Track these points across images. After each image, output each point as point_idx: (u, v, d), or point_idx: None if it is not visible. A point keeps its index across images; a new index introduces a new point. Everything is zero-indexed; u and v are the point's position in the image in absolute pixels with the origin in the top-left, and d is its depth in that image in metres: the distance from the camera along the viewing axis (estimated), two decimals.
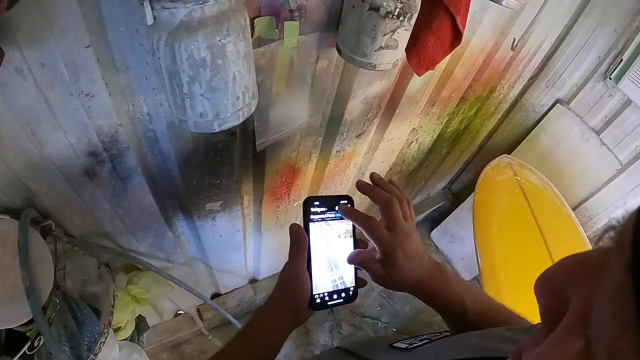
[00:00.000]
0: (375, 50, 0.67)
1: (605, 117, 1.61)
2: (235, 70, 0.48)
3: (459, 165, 2.25)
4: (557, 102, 1.77)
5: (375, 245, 0.50)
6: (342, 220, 0.52)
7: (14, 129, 0.54)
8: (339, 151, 1.18)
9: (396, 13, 0.62)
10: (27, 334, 0.62)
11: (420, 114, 1.33)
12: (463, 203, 2.07)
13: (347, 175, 1.38)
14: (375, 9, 0.61)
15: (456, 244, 2.24)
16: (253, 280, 1.77)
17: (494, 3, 0.79)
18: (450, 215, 2.21)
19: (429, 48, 0.79)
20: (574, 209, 1.77)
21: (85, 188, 0.70)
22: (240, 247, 1.36)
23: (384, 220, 0.49)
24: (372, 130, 1.22)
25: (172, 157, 0.77)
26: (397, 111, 1.19)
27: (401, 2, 0.61)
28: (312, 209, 0.51)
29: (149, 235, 0.95)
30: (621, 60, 1.47)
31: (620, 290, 0.16)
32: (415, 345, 0.42)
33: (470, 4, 0.73)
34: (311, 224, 0.50)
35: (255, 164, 0.97)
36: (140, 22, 0.51)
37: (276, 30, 0.66)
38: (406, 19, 0.63)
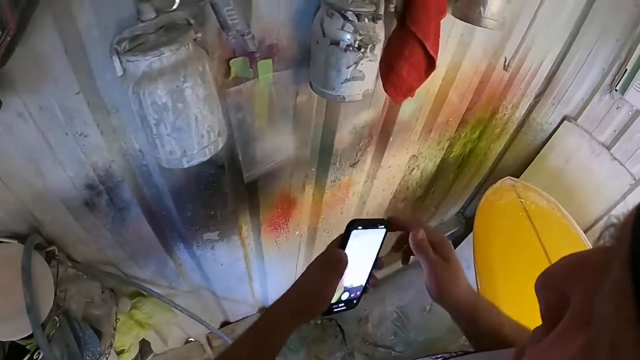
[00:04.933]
0: (342, 83, 0.71)
1: (615, 130, 1.57)
2: (196, 112, 0.55)
3: (470, 189, 2.23)
4: (564, 119, 1.74)
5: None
6: (371, 236, 0.55)
7: (20, 165, 0.63)
8: (333, 181, 1.23)
9: (356, 45, 0.66)
10: (28, 347, 0.69)
11: (418, 140, 1.36)
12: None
13: (347, 204, 1.42)
14: (336, 43, 0.66)
15: (472, 270, 2.20)
16: (262, 309, 1.81)
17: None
18: (464, 240, 2.19)
19: (404, 75, 0.81)
20: (589, 228, 1.71)
21: (86, 218, 0.78)
22: (244, 276, 1.41)
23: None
24: (368, 159, 1.27)
25: (165, 190, 0.85)
26: (391, 139, 1.23)
27: (360, 35, 0.65)
28: (354, 230, 0.52)
29: (151, 263, 1.02)
30: (625, 70, 1.43)
31: (620, 287, 0.16)
32: None
33: (453, 27, 0.76)
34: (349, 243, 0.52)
35: (248, 196, 1.04)
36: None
37: (250, 69, 0.73)
38: (368, 50, 0.67)
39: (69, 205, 0.74)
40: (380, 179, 1.41)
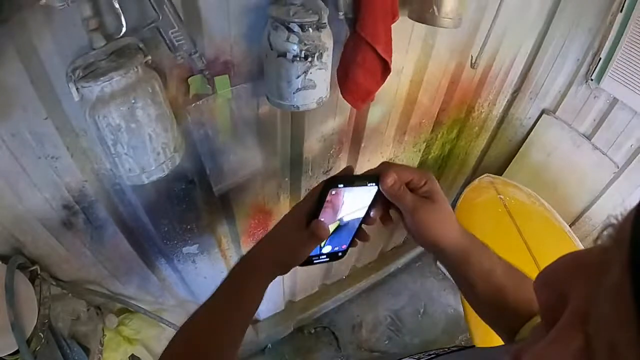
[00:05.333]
0: (294, 93, 0.74)
1: (594, 120, 1.58)
2: (149, 130, 0.61)
3: (456, 189, 2.26)
4: (543, 112, 1.75)
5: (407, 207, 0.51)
6: (360, 193, 0.52)
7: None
8: (308, 189, 1.27)
9: (303, 55, 0.69)
10: None
11: (392, 144, 1.39)
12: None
13: None
14: (283, 54, 0.69)
15: None
16: (255, 321, 1.83)
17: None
18: None
19: (360, 81, 0.83)
20: (575, 220, 1.73)
21: (65, 237, 0.83)
22: None
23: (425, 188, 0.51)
24: (341, 165, 1.30)
25: (140, 207, 0.90)
26: (363, 144, 1.26)
27: (305, 45, 0.68)
28: (336, 187, 0.50)
29: (134, 280, 1.07)
30: (600, 59, 1.44)
31: (619, 288, 0.16)
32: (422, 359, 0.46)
33: (415, 30, 0.77)
34: (329, 193, 0.50)
35: (223, 209, 1.08)
36: None
37: (208, 85, 0.78)
38: (315, 59, 0.70)
39: (47, 225, 0.79)
40: None
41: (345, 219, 0.53)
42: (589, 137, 1.61)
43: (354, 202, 0.52)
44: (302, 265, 0.55)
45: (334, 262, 1.76)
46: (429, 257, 2.42)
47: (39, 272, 0.81)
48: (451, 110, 1.47)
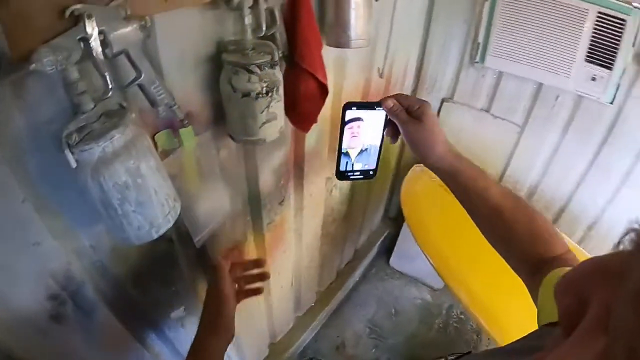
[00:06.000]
0: (259, 127, 0.82)
1: (487, 95, 1.79)
2: (154, 183, 0.62)
3: (386, 191, 2.44)
4: (443, 101, 1.94)
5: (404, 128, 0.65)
6: (374, 118, 0.67)
7: None
8: (269, 223, 1.30)
9: (264, 92, 0.77)
10: None
11: (328, 163, 1.49)
12: (404, 223, 2.22)
13: (286, 242, 1.50)
14: (247, 94, 0.76)
15: (417, 261, 2.29)
16: None
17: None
18: (399, 238, 2.37)
19: (305, 107, 0.94)
20: (499, 181, 1.91)
21: (55, 333, 0.75)
22: None
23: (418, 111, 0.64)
24: (291, 194, 1.37)
25: (123, 280, 0.85)
26: (305, 169, 1.35)
27: (265, 82, 0.77)
28: (350, 109, 0.65)
29: None
30: (479, 43, 1.66)
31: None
32: None
33: (329, 54, 0.89)
34: (347, 113, 0.65)
35: (201, 261, 1.07)
36: (65, 169, 0.62)
37: (175, 139, 0.80)
38: (274, 92, 0.79)
39: (35, 325, 0.71)
40: (307, 208, 1.51)
41: (366, 142, 0.69)
42: (487, 110, 1.84)
43: (368, 127, 0.68)
44: (339, 179, 0.71)
45: (301, 289, 1.79)
46: (380, 261, 2.54)
47: None
48: None
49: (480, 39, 1.66)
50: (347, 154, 0.70)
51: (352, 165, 0.71)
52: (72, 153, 0.54)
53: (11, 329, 0.69)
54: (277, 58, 0.77)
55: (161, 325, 1.03)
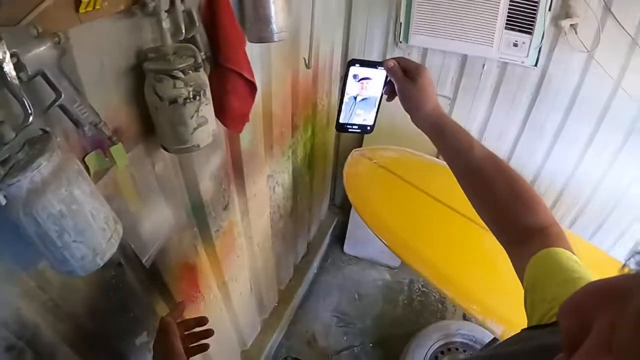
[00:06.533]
0: (191, 133, 0.79)
1: None
2: (90, 208, 0.58)
3: (329, 180, 2.47)
4: None
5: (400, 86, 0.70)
6: (375, 76, 0.71)
7: None
8: (217, 230, 1.28)
9: (191, 96, 0.75)
10: None
11: (266, 160, 1.49)
12: (352, 208, 2.20)
13: (238, 247, 1.48)
14: (174, 101, 0.74)
15: (370, 243, 2.35)
16: None
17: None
18: (349, 224, 2.42)
19: (235, 106, 0.92)
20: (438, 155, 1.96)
21: None
22: None
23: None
24: (234, 197, 1.35)
25: (79, 314, 0.80)
26: (245, 170, 1.33)
27: (191, 86, 0.75)
28: (354, 66, 0.69)
29: None
30: (401, 23, 1.74)
31: None
32: None
33: (249, 53, 0.88)
34: (351, 69, 0.68)
35: (155, 282, 1.03)
36: None
37: (106, 159, 0.76)
38: (201, 96, 0.77)
39: None
40: (253, 209, 1.50)
41: (366, 95, 0.72)
42: None
43: (370, 82, 0.71)
44: (338, 130, 0.74)
45: (262, 291, 1.78)
46: (334, 250, 2.58)
47: None
48: (300, 112, 1.64)
49: (402, 19, 1.73)
50: (347, 105, 0.73)
51: (351, 116, 0.74)
52: (0, 189, 0.50)
53: None
54: (200, 60, 0.76)
55: (128, 355, 0.98)
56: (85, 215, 0.58)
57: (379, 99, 0.75)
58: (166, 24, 0.69)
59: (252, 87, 0.94)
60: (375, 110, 0.76)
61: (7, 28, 0.47)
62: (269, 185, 1.60)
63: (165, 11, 0.68)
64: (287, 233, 1.97)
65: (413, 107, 0.71)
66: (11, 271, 0.65)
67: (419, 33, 1.72)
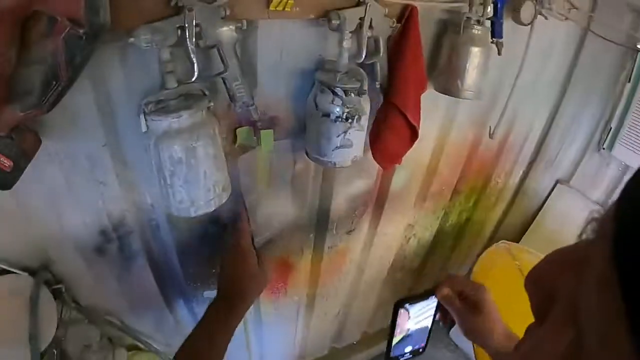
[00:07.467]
0: (332, 150, 0.81)
1: (608, 187, 1.58)
2: (205, 168, 0.65)
3: (472, 258, 2.20)
4: (557, 182, 1.76)
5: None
6: (427, 306, 0.70)
7: (43, 204, 0.71)
8: (330, 247, 1.28)
9: (344, 117, 0.76)
10: None
11: (413, 209, 1.41)
12: None
13: (343, 272, 1.45)
14: (327, 115, 0.77)
15: None
16: None
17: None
18: None
19: (389, 143, 0.90)
20: None
21: (95, 263, 0.85)
22: (242, 341, 1.42)
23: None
24: (364, 227, 1.32)
25: (171, 245, 0.92)
26: (385, 207, 1.29)
27: (347, 107, 0.76)
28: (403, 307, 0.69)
29: (150, 317, 1.06)
30: (610, 128, 1.47)
31: (605, 281, 0.17)
32: None
33: (438, 101, 0.86)
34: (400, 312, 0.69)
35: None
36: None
37: (254, 138, 0.84)
38: (355, 121, 0.78)
39: (81, 248, 0.81)
40: (377, 246, 1.44)
41: (418, 326, 0.71)
42: (602, 205, 1.59)
43: (421, 312, 0.70)
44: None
45: (347, 323, 1.72)
46: (441, 329, 2.31)
47: (63, 291, 0.82)
48: (469, 180, 1.49)
49: (613, 124, 1.44)
50: (398, 344, 0.72)
51: (404, 348, 0.73)
52: (146, 120, 0.60)
53: (59, 245, 0.79)
54: (365, 87, 0.76)
55: (191, 299, 1.09)
56: (197, 172, 0.65)
57: (431, 325, 0.73)
58: (347, 44, 0.71)
59: (413, 132, 0.89)
60: (428, 333, 0.75)
61: (202, 4, 0.56)
62: (405, 233, 1.51)
63: (350, 32, 0.70)
64: (401, 287, 1.84)
65: (478, 337, 0.65)
66: (136, 183, 0.77)
67: (626, 145, 1.41)
